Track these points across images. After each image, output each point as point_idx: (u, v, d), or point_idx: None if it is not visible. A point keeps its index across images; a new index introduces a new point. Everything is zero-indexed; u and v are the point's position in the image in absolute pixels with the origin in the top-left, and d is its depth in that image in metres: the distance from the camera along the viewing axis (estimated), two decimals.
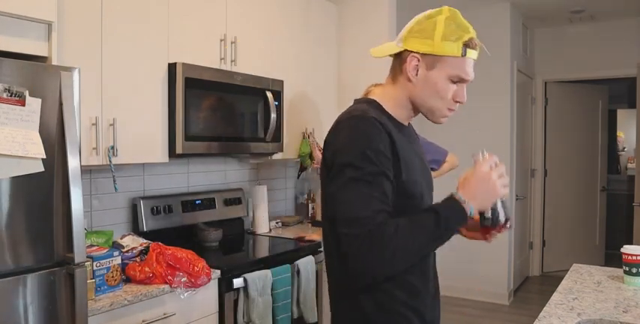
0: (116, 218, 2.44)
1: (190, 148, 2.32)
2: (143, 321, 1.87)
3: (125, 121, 2.10)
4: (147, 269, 1.95)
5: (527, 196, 5.17)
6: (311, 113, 3.25)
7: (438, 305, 1.33)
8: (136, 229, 2.45)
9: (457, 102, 1.22)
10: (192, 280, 1.98)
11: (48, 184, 1.50)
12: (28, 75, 1.45)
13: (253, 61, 2.74)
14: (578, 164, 5.41)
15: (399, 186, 1.14)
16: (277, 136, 2.79)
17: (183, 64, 2.28)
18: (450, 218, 1.10)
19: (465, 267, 4.47)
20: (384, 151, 1.11)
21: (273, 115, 2.71)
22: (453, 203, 1.12)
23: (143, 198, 2.49)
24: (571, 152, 5.37)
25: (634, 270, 1.84)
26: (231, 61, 2.59)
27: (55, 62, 1.69)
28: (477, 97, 4.08)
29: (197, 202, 2.74)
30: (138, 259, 2.05)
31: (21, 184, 1.43)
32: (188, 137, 2.30)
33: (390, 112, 1.24)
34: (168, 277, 1.95)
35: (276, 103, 2.75)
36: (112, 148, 2.04)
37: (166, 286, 1.94)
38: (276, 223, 3.21)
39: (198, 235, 2.64)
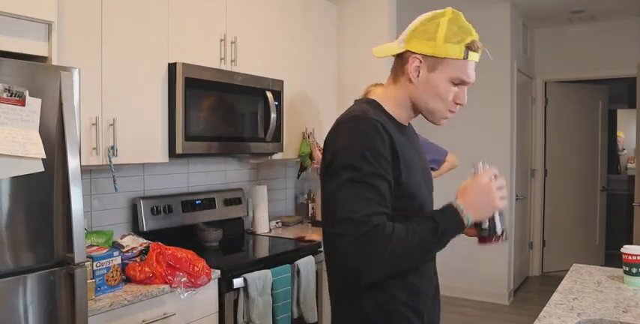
0: (116, 218, 2.44)
1: (190, 148, 2.32)
2: (143, 321, 1.87)
3: (125, 121, 2.10)
4: (147, 269, 1.95)
5: (527, 196, 5.17)
6: (311, 113, 3.25)
7: (438, 305, 1.33)
8: (136, 229, 2.45)
9: (458, 104, 1.22)
10: (192, 280, 1.98)
11: (48, 184, 1.50)
12: (28, 75, 1.45)
13: (253, 61, 2.74)
14: (578, 164, 5.41)
15: (399, 186, 1.14)
16: (277, 136, 2.79)
17: (184, 64, 2.28)
18: (447, 227, 1.10)
19: (465, 267, 4.47)
20: (384, 153, 1.11)
21: (273, 115, 2.71)
22: (451, 212, 1.12)
23: (143, 198, 2.49)
24: (571, 152, 5.37)
25: (634, 270, 1.84)
26: (231, 61, 2.59)
27: (55, 62, 1.69)
28: (477, 97, 4.08)
29: (197, 202, 2.74)
30: (138, 259, 2.05)
31: (21, 184, 1.43)
32: (188, 137, 2.30)
33: (390, 113, 1.24)
34: (168, 277, 1.95)
35: (276, 103, 2.75)
36: (112, 148, 2.04)
37: (166, 286, 1.94)
38: (276, 223, 3.21)
39: (198, 235, 2.64)
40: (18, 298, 1.43)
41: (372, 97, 1.29)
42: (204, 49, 2.46)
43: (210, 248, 2.60)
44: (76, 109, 1.55)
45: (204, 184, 2.91)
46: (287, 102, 2.98)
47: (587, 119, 5.46)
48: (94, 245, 1.98)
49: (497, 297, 4.45)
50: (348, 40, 3.52)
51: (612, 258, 5.08)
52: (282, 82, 2.83)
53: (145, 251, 2.07)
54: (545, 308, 1.60)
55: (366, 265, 1.06)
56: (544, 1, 4.25)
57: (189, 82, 2.29)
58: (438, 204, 1.36)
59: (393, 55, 1.25)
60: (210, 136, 2.42)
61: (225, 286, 2.16)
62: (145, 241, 2.18)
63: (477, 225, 1.19)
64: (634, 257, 1.83)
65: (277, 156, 2.94)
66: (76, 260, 1.53)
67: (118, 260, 1.88)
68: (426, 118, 1.27)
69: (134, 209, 2.48)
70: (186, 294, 1.97)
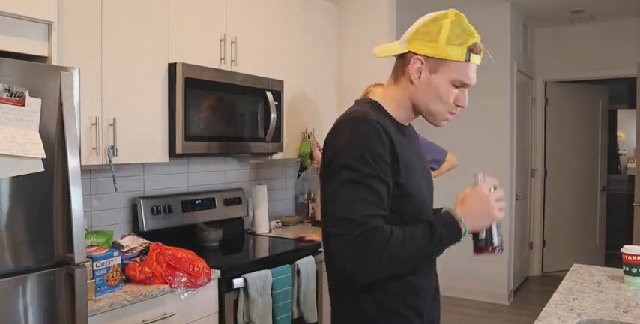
0: (116, 218, 2.44)
1: (190, 148, 2.32)
2: (143, 321, 1.87)
3: (125, 121, 2.10)
4: (147, 269, 1.95)
5: (527, 196, 5.17)
6: (311, 113, 3.25)
7: (438, 305, 1.33)
8: (136, 229, 2.45)
9: (458, 106, 1.22)
10: (192, 280, 1.98)
11: (48, 184, 1.50)
12: (28, 75, 1.45)
13: (253, 61, 2.74)
14: (578, 164, 5.41)
15: (399, 187, 1.14)
16: (277, 136, 2.79)
17: (184, 64, 2.28)
18: (444, 235, 1.10)
19: (465, 267, 4.46)
20: (384, 156, 1.11)
21: (273, 115, 2.71)
22: (449, 220, 1.13)
23: (143, 198, 2.49)
24: (571, 152, 5.37)
25: (634, 270, 1.84)
26: (231, 61, 2.59)
27: (55, 62, 1.69)
28: (477, 97, 4.07)
29: (197, 202, 2.74)
30: (138, 259, 2.05)
31: (21, 184, 1.43)
32: (188, 137, 2.30)
33: (390, 113, 1.24)
34: (168, 277, 1.95)
35: (276, 103, 2.75)
36: (112, 148, 2.04)
37: (166, 286, 1.94)
38: (276, 223, 3.21)
39: (198, 235, 2.64)
40: (18, 298, 1.43)
41: (372, 97, 1.29)
42: (204, 49, 2.46)
43: (210, 248, 2.60)
44: (76, 109, 1.55)
45: (204, 184, 2.91)
46: (287, 102, 2.98)
47: (587, 119, 5.46)
48: (94, 245, 1.98)
49: (497, 297, 4.45)
50: (348, 40, 3.52)
51: (612, 258, 5.08)
52: (282, 82, 2.83)
53: (145, 251, 2.07)
54: (545, 308, 1.60)
55: (362, 267, 1.06)
56: (544, 1, 4.25)
57: (189, 82, 2.29)
58: (437, 204, 1.36)
59: (395, 56, 1.25)
60: (210, 136, 2.42)
61: (225, 286, 2.16)
62: (145, 241, 2.18)
63: (474, 235, 1.20)
64: (634, 257, 1.83)
65: (277, 156, 2.94)
66: (76, 260, 1.53)
67: (118, 260, 1.88)
68: (426, 119, 1.27)
69: (134, 209, 2.48)
70: (186, 294, 1.97)
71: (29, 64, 1.48)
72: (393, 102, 1.25)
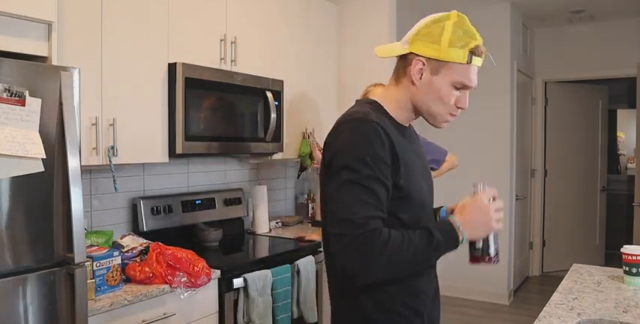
0: (116, 218, 2.44)
1: (190, 148, 2.32)
2: (143, 321, 1.87)
3: (125, 121, 2.10)
4: (147, 269, 1.95)
5: (527, 196, 5.17)
6: (311, 113, 3.25)
7: (438, 305, 1.33)
8: (136, 229, 2.45)
9: (459, 108, 1.22)
10: (192, 280, 1.98)
11: (48, 184, 1.50)
12: (28, 75, 1.45)
13: (253, 61, 2.74)
14: (578, 164, 5.41)
15: (399, 188, 1.15)
16: (277, 136, 2.79)
17: (184, 64, 2.28)
18: (442, 242, 1.11)
19: (465, 267, 4.42)
20: (384, 157, 1.11)
21: (273, 115, 2.71)
22: (447, 227, 1.13)
23: (143, 198, 2.49)
24: (571, 152, 5.37)
25: (634, 270, 1.84)
26: (231, 61, 2.59)
27: (55, 62, 1.69)
28: (477, 97, 4.06)
29: (197, 202, 2.74)
30: (138, 259, 2.05)
31: (21, 184, 1.43)
32: (188, 137, 2.30)
33: (391, 114, 1.24)
34: (168, 277, 1.95)
35: (276, 103, 2.75)
36: (112, 148, 2.04)
37: (166, 286, 1.94)
38: (276, 223, 3.21)
39: (198, 235, 2.63)
40: (18, 298, 1.43)
41: (372, 97, 1.29)
42: (204, 49, 2.46)
43: (210, 248, 2.60)
44: (76, 109, 1.55)
45: (204, 184, 2.91)
46: (287, 102, 2.98)
47: (587, 119, 5.46)
48: (94, 245, 1.98)
49: (497, 297, 4.45)
50: (348, 40, 3.52)
51: (612, 258, 5.08)
52: (282, 82, 2.83)
53: (145, 251, 2.07)
54: (545, 308, 1.60)
55: (361, 268, 1.06)
56: (544, 1, 4.25)
57: (189, 82, 2.29)
58: (437, 204, 1.36)
59: (396, 56, 1.25)
60: (210, 136, 2.42)
61: (225, 286, 2.16)
62: (145, 241, 2.18)
63: (471, 244, 1.21)
64: (634, 257, 1.83)
65: (277, 156, 2.94)
66: (76, 260, 1.53)
67: (118, 260, 1.88)
68: (426, 120, 1.26)
69: (134, 209, 2.48)
70: (186, 294, 1.97)
71: (29, 64, 1.48)
72: (393, 102, 1.25)
